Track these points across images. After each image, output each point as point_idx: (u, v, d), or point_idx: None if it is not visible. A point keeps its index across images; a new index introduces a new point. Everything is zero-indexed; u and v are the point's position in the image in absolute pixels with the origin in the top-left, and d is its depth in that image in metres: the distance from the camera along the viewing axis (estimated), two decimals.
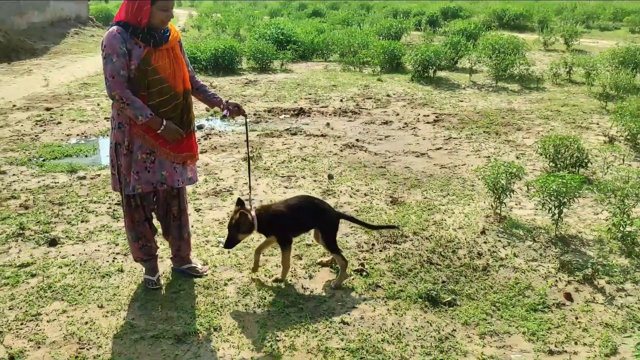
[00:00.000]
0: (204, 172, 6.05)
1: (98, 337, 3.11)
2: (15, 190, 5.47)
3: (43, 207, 4.99)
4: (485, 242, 4.37)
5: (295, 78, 12.27)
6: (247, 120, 3.76)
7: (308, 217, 3.68)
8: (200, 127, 8.09)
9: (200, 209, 5.01)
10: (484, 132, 7.74)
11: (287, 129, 7.96)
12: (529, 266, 4.01)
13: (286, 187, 5.58)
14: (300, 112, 8.98)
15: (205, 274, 3.81)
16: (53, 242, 4.28)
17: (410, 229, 4.57)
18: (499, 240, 4.41)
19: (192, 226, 4.62)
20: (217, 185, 5.66)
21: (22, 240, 4.34)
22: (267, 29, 15.92)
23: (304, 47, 15.21)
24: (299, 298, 3.53)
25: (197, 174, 3.69)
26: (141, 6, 3.14)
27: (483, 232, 4.52)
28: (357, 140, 7.38)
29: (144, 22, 3.16)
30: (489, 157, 6.59)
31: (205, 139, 7.46)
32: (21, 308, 3.40)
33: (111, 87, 3.16)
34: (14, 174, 5.96)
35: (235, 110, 3.57)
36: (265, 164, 6.34)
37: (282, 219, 3.63)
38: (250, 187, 4.09)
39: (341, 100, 9.91)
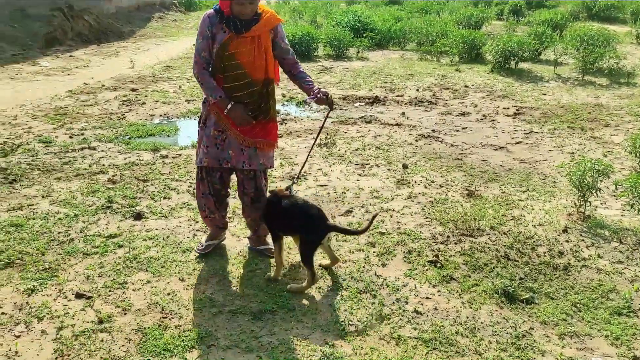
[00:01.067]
0: (279, 156, 6.15)
1: (179, 308, 3.25)
2: (103, 165, 5.78)
3: (129, 183, 5.25)
4: (567, 241, 4.20)
5: (371, 66, 12.19)
6: (330, 112, 3.80)
7: (297, 220, 3.46)
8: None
9: None
10: (568, 127, 7.40)
11: (362, 116, 7.94)
12: (614, 268, 3.82)
13: (360, 175, 5.58)
14: (375, 101, 8.93)
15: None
16: (138, 216, 4.51)
17: (487, 223, 4.46)
18: (582, 240, 4.22)
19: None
20: (292, 169, 5.74)
21: (110, 212, 4.59)
22: (344, 16, 15.87)
23: (380, 35, 15.07)
24: (371, 285, 3.54)
25: (272, 161, 3.72)
26: None
27: (565, 231, 4.34)
28: (433, 130, 7.26)
29: (227, 11, 3.31)
30: (572, 153, 6.30)
31: (281, 124, 7.57)
32: (109, 276, 3.61)
33: (193, 65, 3.44)
34: (102, 150, 6.30)
35: (323, 99, 3.53)
36: (339, 150, 6.36)
37: (272, 210, 3.53)
38: (301, 170, 4.11)
39: (417, 90, 9.76)
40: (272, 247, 3.67)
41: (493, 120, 7.78)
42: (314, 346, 2.94)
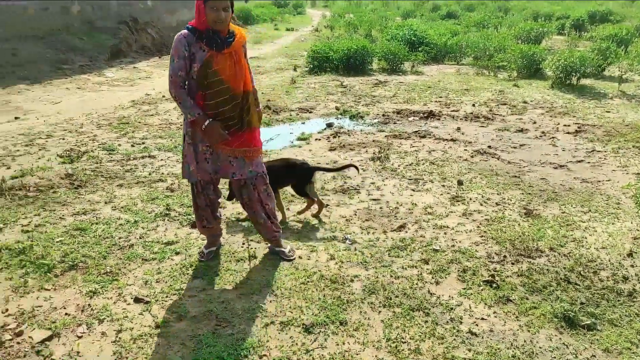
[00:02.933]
0: None
1: (232, 317, 3.30)
2: (162, 174, 5.96)
3: (186, 192, 5.39)
4: (632, 266, 4.02)
5: (425, 80, 12.10)
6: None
7: (285, 174, 4.63)
8: (329, 125, 8.27)
9: (328, 205, 5.12)
10: (633, 146, 7.10)
11: (416, 131, 7.88)
12: None
13: (413, 190, 5.53)
14: (429, 115, 8.85)
15: (291, 258, 4.04)
16: (194, 225, 4.61)
17: (546, 244, 4.32)
18: None
19: (321, 221, 4.76)
20: (345, 183, 5.74)
21: (168, 220, 4.72)
22: (400, 30, 15.86)
23: (436, 49, 14.97)
24: (424, 302, 3.49)
25: (261, 166, 3.81)
26: (198, 6, 3.37)
27: (630, 255, 4.16)
28: (489, 147, 7.12)
29: (203, 22, 3.35)
30: (638, 174, 6.03)
31: (334, 137, 7.60)
32: (166, 282, 3.71)
33: (169, 85, 3.42)
34: (161, 159, 6.50)
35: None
36: (392, 165, 6.33)
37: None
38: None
39: (473, 105, 9.61)
40: (284, 250, 4.09)
41: (553, 138, 7.56)
42: None
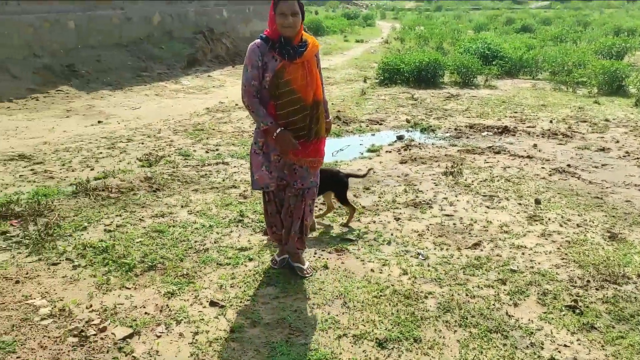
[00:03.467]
0: (404, 182, 6.10)
1: (305, 326, 3.30)
2: (236, 180, 6.09)
3: (258, 199, 5.47)
4: None
5: (499, 95, 11.80)
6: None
7: (327, 183, 4.49)
8: (400, 138, 8.19)
9: (399, 219, 5.05)
10: None
11: (490, 146, 7.67)
12: None
13: (488, 207, 5.37)
14: (504, 130, 8.60)
15: (307, 275, 3.93)
16: (266, 233, 4.66)
17: (633, 270, 4.07)
18: None
19: (392, 234, 4.69)
20: (417, 197, 5.65)
21: (241, 226, 4.81)
22: (473, 43, 15.58)
23: (510, 63, 14.59)
24: (502, 324, 3.36)
25: (318, 178, 3.84)
26: (270, 15, 3.41)
27: None
28: (568, 165, 6.82)
29: (275, 31, 3.37)
30: None
31: (405, 149, 7.52)
32: (240, 287, 3.76)
33: (242, 94, 3.46)
34: (234, 166, 6.65)
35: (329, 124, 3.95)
36: (465, 180, 6.18)
37: None
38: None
39: (551, 121, 9.27)
40: (302, 267, 3.98)
41: (638, 158, 7.15)
42: None
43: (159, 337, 3.18)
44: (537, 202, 5.51)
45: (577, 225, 4.96)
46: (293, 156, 3.58)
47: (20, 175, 6.08)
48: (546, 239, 4.64)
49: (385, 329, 3.29)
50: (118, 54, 13.72)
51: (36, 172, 6.21)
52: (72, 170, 6.31)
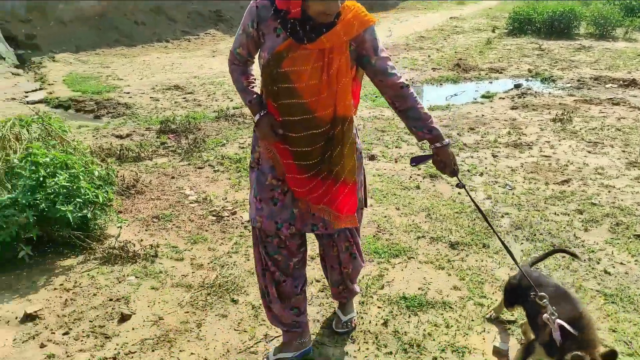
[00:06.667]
0: (510, 125, 6.41)
1: (391, 228, 3.97)
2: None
3: (370, 132, 6.14)
4: None
5: (637, 48, 11.16)
6: (468, 189, 2.41)
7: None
8: (517, 86, 8.32)
9: (496, 156, 5.45)
10: None
11: (610, 98, 7.58)
12: None
13: (589, 152, 5.55)
14: (631, 84, 8.35)
15: (339, 330, 2.84)
16: (372, 157, 5.36)
17: None
18: None
19: (485, 168, 5.14)
20: (519, 139, 5.97)
21: None
22: None
23: None
24: (567, 242, 3.76)
25: (360, 217, 2.60)
26: None
27: None
28: None
29: (294, 12, 2.10)
30: None
31: (520, 97, 7.70)
32: None
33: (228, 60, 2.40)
34: None
35: (440, 165, 2.34)
36: (573, 127, 6.32)
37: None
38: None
39: None
40: (342, 318, 2.85)
41: None
42: (497, 275, 3.38)
43: None
44: None
45: None
46: (298, 190, 2.32)
47: (175, 102, 7.34)
48: (638, 182, 4.82)
49: (459, 235, 3.87)
50: None
51: (187, 100, 7.44)
52: (216, 100, 7.44)
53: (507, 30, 13.20)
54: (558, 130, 6.21)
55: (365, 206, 2.65)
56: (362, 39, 2.19)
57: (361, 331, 2.85)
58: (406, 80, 2.28)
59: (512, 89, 8.19)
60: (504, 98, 7.70)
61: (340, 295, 2.80)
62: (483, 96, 7.86)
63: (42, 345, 2.73)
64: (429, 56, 10.65)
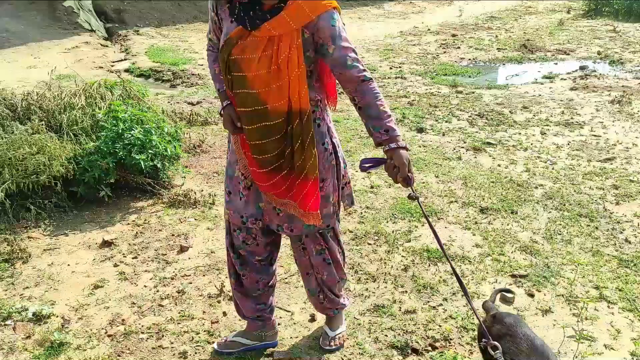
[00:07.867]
0: (565, 105, 6.45)
1: (427, 193, 4.28)
2: (408, 92, 7.06)
3: (422, 107, 6.40)
4: None
5: None
6: (420, 201, 2.14)
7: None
8: (582, 68, 8.23)
9: (545, 133, 5.58)
10: None
11: None
12: None
13: None
14: None
15: (326, 347, 2.62)
16: (420, 130, 5.63)
17: None
18: None
19: (531, 144, 5.29)
20: (572, 118, 6.03)
21: (400, 125, 5.82)
22: None
23: None
24: (594, 213, 3.92)
25: (330, 218, 2.34)
26: None
27: None
28: None
29: None
30: None
31: (582, 78, 7.66)
32: None
33: None
34: (411, 81, 7.59)
35: (393, 171, 2.05)
36: (632, 109, 6.29)
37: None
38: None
39: None
40: (330, 334, 2.64)
41: None
42: (519, 237, 3.63)
43: None
44: None
45: None
46: (261, 184, 2.24)
47: None
48: None
49: (491, 202, 4.12)
50: None
51: None
52: None
53: (582, 11, 12.82)
54: (614, 112, 6.21)
55: (352, 204, 2.51)
56: (316, 26, 2.00)
57: (382, 273, 3.23)
58: (369, 73, 2.08)
59: (576, 70, 8.13)
60: (565, 79, 7.68)
61: (324, 307, 2.61)
62: (544, 77, 7.86)
63: (115, 265, 3.30)
64: (496, 36, 10.62)
